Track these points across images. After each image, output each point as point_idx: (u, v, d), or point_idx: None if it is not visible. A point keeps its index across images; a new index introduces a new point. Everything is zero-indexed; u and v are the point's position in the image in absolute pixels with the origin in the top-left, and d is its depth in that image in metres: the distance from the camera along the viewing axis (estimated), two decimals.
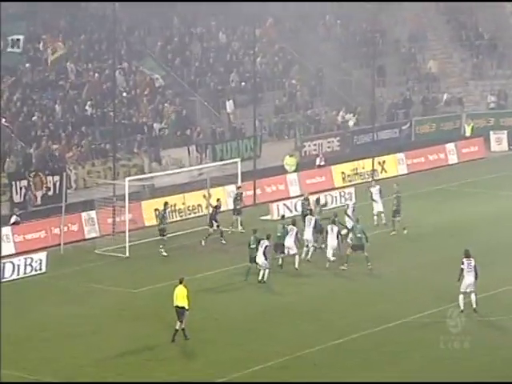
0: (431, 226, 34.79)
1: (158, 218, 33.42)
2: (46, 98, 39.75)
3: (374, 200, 35.11)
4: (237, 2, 42.95)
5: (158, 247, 32.63)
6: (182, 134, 41.72)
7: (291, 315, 26.94)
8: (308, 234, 31.40)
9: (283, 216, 33.05)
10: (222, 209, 34.51)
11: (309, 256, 31.31)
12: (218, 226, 33.34)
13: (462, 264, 25.91)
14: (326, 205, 34.52)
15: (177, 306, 24.58)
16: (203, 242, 33.14)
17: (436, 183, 39.84)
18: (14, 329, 26.03)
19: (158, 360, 23.95)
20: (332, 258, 30.69)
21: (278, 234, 30.84)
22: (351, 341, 24.95)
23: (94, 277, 30.55)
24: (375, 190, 35.29)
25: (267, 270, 29.26)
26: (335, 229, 30.93)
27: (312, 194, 36.06)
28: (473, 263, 26.00)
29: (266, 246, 29.23)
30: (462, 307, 26.04)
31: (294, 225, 30.85)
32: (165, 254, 32.38)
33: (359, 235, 30.50)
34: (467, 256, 26.02)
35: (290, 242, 30.59)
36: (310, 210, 33.27)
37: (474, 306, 26.12)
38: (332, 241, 30.77)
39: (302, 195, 36.25)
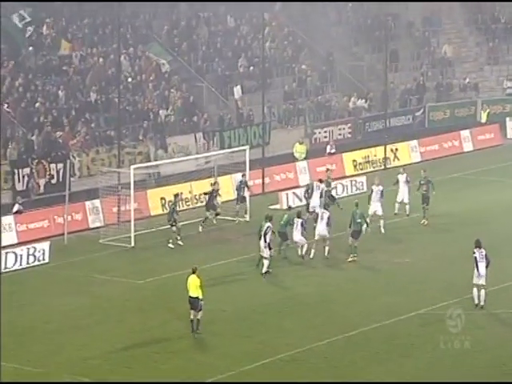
0: (445, 215, 34.12)
1: (169, 211, 32.60)
2: (49, 83, 39.17)
3: (399, 188, 33.92)
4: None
5: (165, 237, 32.01)
6: (189, 121, 41.07)
7: (300, 307, 26.48)
8: (322, 229, 30.00)
9: (290, 207, 32.25)
10: (227, 198, 33.91)
11: (325, 253, 30.17)
12: (216, 214, 32.46)
13: (474, 253, 25.46)
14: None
15: (190, 297, 24.20)
16: (200, 228, 32.47)
17: (450, 171, 39.18)
18: (17, 320, 25.65)
19: (166, 352, 23.53)
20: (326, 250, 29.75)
21: (282, 222, 30.10)
22: (362, 333, 24.50)
23: (98, 267, 30.07)
24: (403, 178, 34.18)
25: (266, 261, 28.51)
26: (325, 215, 30.00)
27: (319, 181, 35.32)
28: (484, 252, 25.52)
29: (268, 228, 28.46)
30: (476, 301, 25.49)
31: (298, 217, 30.02)
32: (171, 245, 31.61)
33: (359, 221, 29.64)
34: (478, 246, 25.54)
35: (297, 236, 29.72)
36: (331, 196, 32.42)
37: (482, 303, 25.43)
38: (321, 228, 29.81)
39: (307, 184, 35.38)
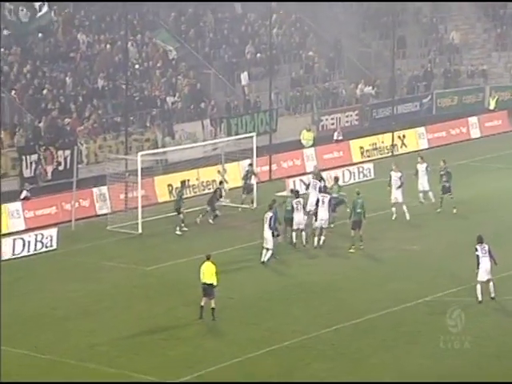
0: (453, 202, 33.87)
1: (176, 198, 32.56)
2: (56, 70, 39.08)
3: (418, 178, 33.37)
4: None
5: (172, 224, 32.04)
6: (196, 108, 41.00)
7: (307, 295, 26.45)
8: (323, 214, 30.01)
9: (293, 190, 32.00)
10: (235, 185, 33.88)
11: (321, 242, 29.96)
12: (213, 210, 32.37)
13: (476, 251, 25.14)
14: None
15: (204, 283, 24.19)
16: (198, 220, 32.25)
17: (458, 158, 39.05)
18: (25, 307, 25.69)
19: (173, 339, 23.55)
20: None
21: (288, 208, 30.01)
22: (369, 320, 24.50)
23: (106, 254, 30.08)
24: (422, 167, 33.67)
25: (269, 252, 28.49)
26: (326, 199, 29.90)
27: (325, 170, 35.18)
28: (487, 248, 25.23)
29: (271, 217, 28.40)
30: (480, 298, 25.25)
31: (297, 197, 29.94)
32: (179, 232, 31.62)
33: (359, 210, 29.42)
34: (480, 242, 25.25)
35: (299, 216, 29.65)
36: (325, 186, 32.16)
37: (493, 295, 25.36)
38: (322, 212, 29.68)
39: (312, 171, 35.26)
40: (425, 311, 25.09)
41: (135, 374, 21.57)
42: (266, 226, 28.46)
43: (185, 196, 32.95)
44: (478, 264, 25.07)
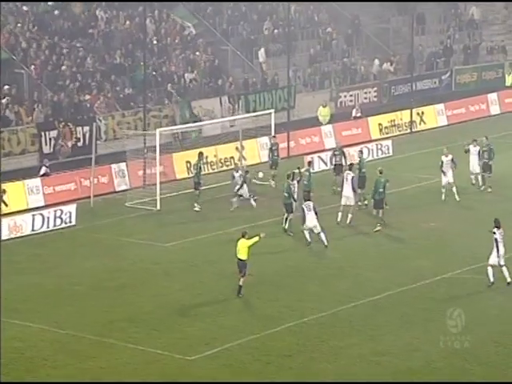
0: (490, 181, 33.60)
1: (193, 170, 32.53)
2: (75, 46, 39.02)
3: (442, 171, 32.08)
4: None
5: (190, 200, 32.01)
6: (214, 85, 40.88)
7: (326, 271, 26.45)
8: (347, 191, 29.89)
9: (310, 162, 32.18)
10: (253, 162, 33.84)
11: (348, 220, 29.73)
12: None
13: (494, 234, 24.80)
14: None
15: (238, 259, 24.46)
16: (197, 208, 31.74)
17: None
18: (44, 282, 25.85)
19: (191, 315, 23.65)
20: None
21: (305, 182, 29.95)
22: (387, 297, 24.47)
23: (124, 230, 30.18)
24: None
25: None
26: (350, 176, 29.78)
27: (345, 147, 35.07)
28: (503, 233, 24.91)
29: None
30: (491, 280, 24.99)
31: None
32: (197, 209, 31.65)
33: (381, 190, 29.25)
34: (497, 226, 24.92)
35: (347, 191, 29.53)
36: (352, 164, 31.53)
37: (509, 279, 25.08)
38: (346, 190, 29.62)
39: (335, 147, 35.19)
40: (443, 288, 25.03)
41: (153, 349, 21.68)
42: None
43: (203, 172, 32.88)
44: (497, 247, 24.76)
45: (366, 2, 47.02)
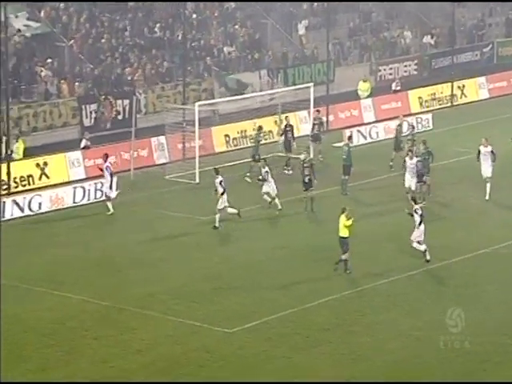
0: None
1: (254, 145, 32.50)
2: (115, 20, 39.12)
3: (481, 163, 29.40)
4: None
5: (228, 173, 31.96)
6: (253, 58, 40.77)
7: (365, 245, 26.15)
8: (409, 181, 29.05)
9: (350, 137, 32.02)
10: (294, 135, 33.74)
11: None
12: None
13: None
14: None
15: (340, 237, 24.39)
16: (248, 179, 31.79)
17: None
18: (85, 255, 26.10)
19: (228, 288, 23.78)
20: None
21: (344, 157, 29.83)
22: (425, 272, 24.40)
23: (163, 203, 30.34)
24: (486, 151, 29.38)
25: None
26: (412, 161, 29.28)
27: (383, 120, 34.91)
28: None
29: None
30: None
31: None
32: (249, 180, 31.62)
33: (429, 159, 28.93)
34: None
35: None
36: (411, 150, 29.67)
37: None
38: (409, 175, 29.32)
39: (397, 117, 34.58)
40: (482, 263, 24.89)
41: (192, 321, 21.86)
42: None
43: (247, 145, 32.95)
44: None
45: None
